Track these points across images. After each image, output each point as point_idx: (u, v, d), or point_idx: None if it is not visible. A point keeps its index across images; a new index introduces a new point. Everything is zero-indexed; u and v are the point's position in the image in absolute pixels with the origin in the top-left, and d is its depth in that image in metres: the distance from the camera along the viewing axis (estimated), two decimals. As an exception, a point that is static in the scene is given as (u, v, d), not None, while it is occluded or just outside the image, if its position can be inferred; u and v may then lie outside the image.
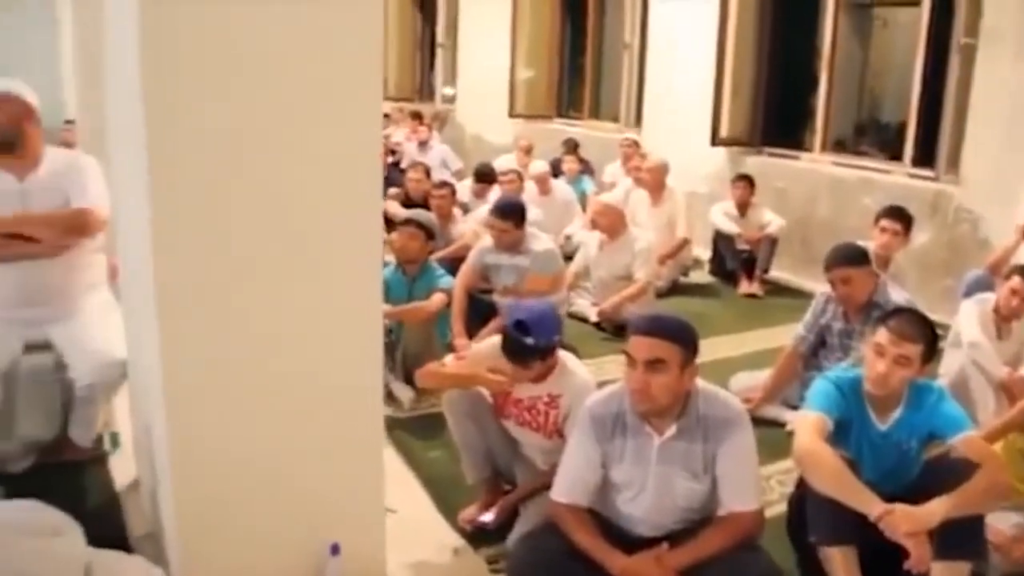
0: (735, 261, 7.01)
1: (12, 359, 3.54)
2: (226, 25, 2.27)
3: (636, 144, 8.49)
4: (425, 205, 6.36)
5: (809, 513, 2.76)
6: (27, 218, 3.44)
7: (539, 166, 7.90)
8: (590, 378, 3.22)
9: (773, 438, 3.84)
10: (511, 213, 5.02)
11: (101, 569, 2.41)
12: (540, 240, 5.14)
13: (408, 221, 4.81)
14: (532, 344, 3.03)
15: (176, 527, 2.57)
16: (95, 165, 3.56)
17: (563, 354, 3.21)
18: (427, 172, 7.42)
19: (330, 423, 2.60)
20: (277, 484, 2.59)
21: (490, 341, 3.31)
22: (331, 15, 2.37)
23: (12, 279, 3.48)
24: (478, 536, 3.26)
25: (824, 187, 7.37)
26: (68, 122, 7.61)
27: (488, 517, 3.30)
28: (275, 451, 2.56)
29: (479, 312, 5.07)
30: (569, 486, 2.72)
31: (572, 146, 9.23)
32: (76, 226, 3.49)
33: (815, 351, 4.41)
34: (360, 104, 2.46)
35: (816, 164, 7.64)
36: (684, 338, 2.56)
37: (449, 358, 3.40)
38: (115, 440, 3.86)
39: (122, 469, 3.64)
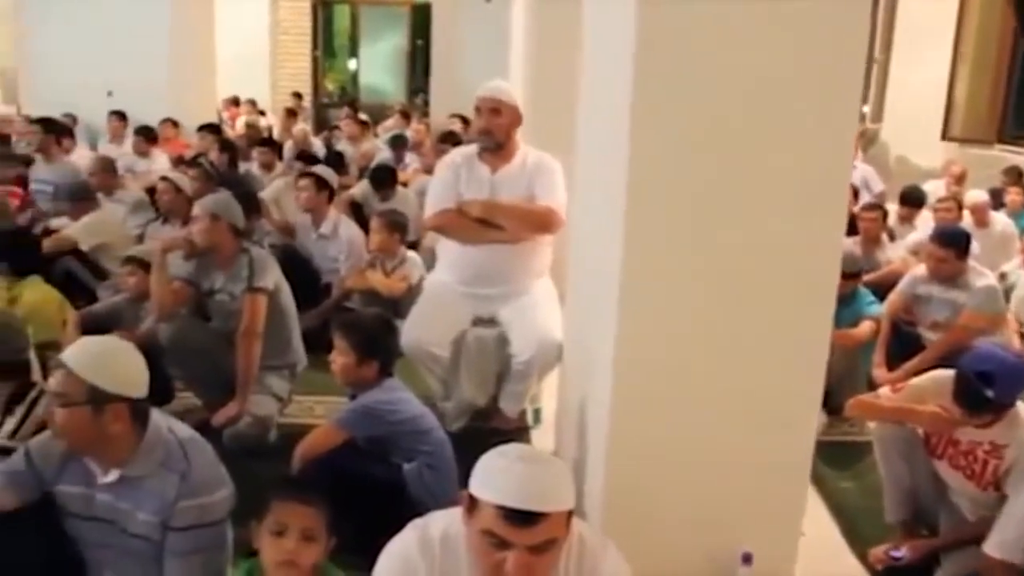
0: None
1: (462, 329, 3.97)
2: (717, 39, 2.35)
3: (1097, 178, 7.56)
4: (851, 226, 6.11)
5: None
6: (497, 207, 3.83)
7: (978, 195, 7.28)
8: (1044, 433, 2.94)
9: None
10: (954, 242, 4.69)
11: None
12: (982, 275, 4.74)
13: None
14: (991, 398, 2.83)
15: (601, 507, 2.72)
16: (559, 167, 3.86)
17: (1020, 404, 2.96)
18: (855, 192, 7.14)
19: (764, 434, 2.61)
20: (703, 485, 2.65)
21: (933, 376, 3.13)
22: (817, 30, 2.37)
23: (474, 259, 3.90)
24: (889, 576, 3.12)
25: None
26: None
27: (901, 552, 3.13)
28: (707, 453, 2.62)
29: (902, 344, 4.80)
30: (1010, 543, 2.51)
31: (1016, 176, 8.39)
32: (540, 223, 3.84)
33: None
34: (835, 120, 2.45)
35: None
36: None
37: (884, 390, 3.26)
38: (537, 416, 4.18)
39: (540, 443, 3.91)
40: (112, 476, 2.36)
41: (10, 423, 2.83)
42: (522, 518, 1.75)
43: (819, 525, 3.41)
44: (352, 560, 2.33)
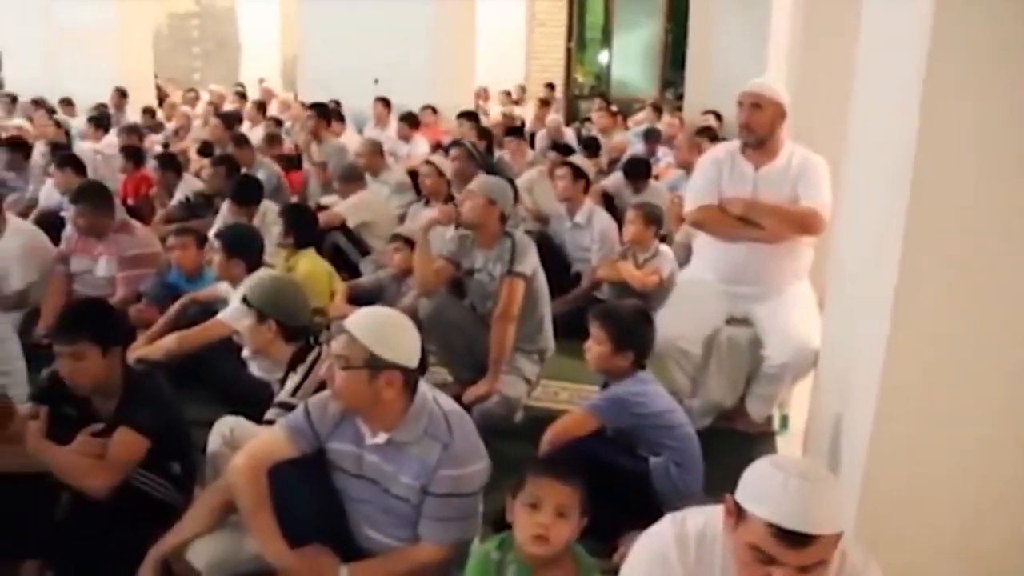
0: None
1: (715, 327, 3.92)
2: (1020, 34, 2.18)
3: None
4: None
5: None
6: (759, 206, 3.75)
7: None
8: None
9: None
10: None
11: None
12: None
13: None
14: None
15: (853, 526, 2.59)
16: (826, 167, 3.73)
17: None
18: None
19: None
20: (969, 516, 2.45)
21: None
22: None
23: (732, 257, 3.85)
24: None
25: None
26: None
27: None
28: (977, 481, 2.41)
29: None
30: None
31: None
32: (802, 224, 3.73)
33: None
34: None
35: None
36: None
37: None
38: (785, 422, 4.06)
39: (786, 450, 3.79)
40: (380, 438, 2.51)
41: (292, 381, 3.05)
42: (795, 539, 1.68)
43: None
44: (591, 545, 2.37)
